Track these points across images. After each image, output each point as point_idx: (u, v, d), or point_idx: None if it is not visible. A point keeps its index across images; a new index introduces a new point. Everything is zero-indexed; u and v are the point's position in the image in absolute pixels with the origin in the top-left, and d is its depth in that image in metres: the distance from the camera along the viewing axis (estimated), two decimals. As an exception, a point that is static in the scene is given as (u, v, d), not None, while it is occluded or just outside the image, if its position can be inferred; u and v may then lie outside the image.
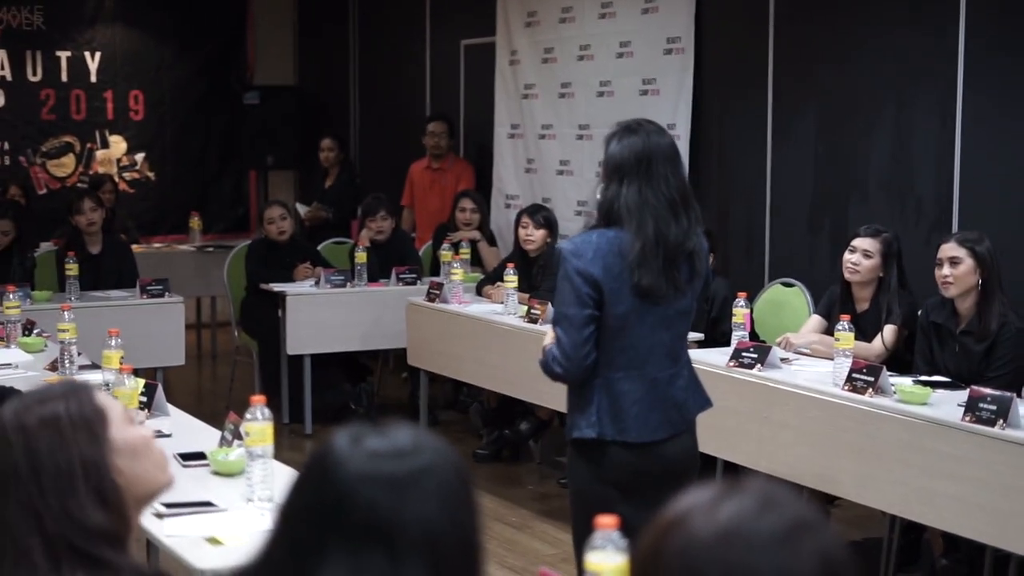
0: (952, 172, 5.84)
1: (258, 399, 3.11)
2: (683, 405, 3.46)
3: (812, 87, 6.58)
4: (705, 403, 3.57)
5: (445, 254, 7.57)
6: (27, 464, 1.82)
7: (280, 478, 3.15)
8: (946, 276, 4.70)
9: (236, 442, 3.52)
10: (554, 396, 5.96)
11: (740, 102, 7.04)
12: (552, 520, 5.80)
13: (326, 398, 7.53)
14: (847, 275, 5.15)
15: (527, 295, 6.49)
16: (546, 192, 8.40)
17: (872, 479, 4.33)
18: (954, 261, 4.68)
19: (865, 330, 5.05)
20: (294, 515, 1.61)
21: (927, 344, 4.86)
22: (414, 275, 7.45)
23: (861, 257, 5.09)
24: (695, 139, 7.27)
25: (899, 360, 4.99)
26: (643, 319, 3.33)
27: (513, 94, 8.67)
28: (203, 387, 8.78)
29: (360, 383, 7.65)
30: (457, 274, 6.80)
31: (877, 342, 5.01)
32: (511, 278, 6.33)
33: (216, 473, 3.46)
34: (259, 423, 3.09)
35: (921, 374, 4.79)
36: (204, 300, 9.92)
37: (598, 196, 3.46)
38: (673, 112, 7.35)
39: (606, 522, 2.14)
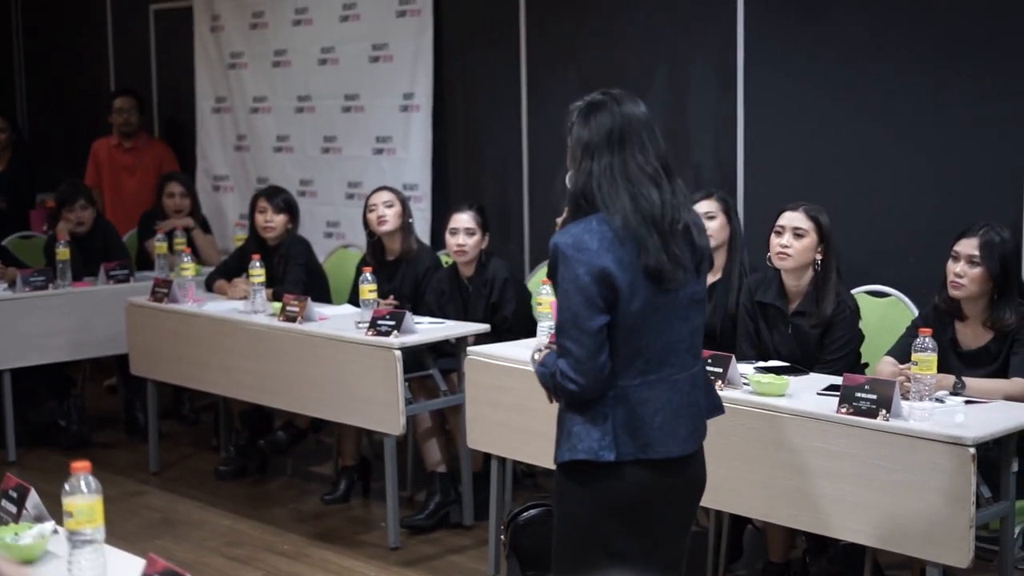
0: (735, 139, 5.52)
1: (81, 465, 2.32)
2: (703, 411, 2.98)
3: (572, 50, 6.11)
4: (716, 409, 3.09)
5: (159, 245, 6.69)
6: None
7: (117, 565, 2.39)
8: (786, 247, 4.29)
9: (24, 514, 2.69)
10: (315, 403, 5.29)
11: (489, 69, 6.51)
12: (331, 544, 5.11)
13: (30, 418, 6.53)
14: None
15: (270, 290, 5.75)
16: (262, 171, 7.63)
17: (732, 482, 3.90)
18: (798, 233, 4.30)
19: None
20: None
21: (753, 326, 4.48)
22: (126, 271, 6.52)
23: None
24: (438, 111, 6.68)
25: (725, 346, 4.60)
26: (658, 312, 2.82)
27: (217, 64, 7.82)
28: None
29: (67, 397, 6.67)
30: (188, 269, 5.95)
31: None
32: (257, 271, 5.54)
33: (-4, 559, 2.61)
34: (86, 498, 2.30)
35: (748, 359, 4.41)
36: None
37: (568, 184, 2.90)
38: (411, 81, 6.74)
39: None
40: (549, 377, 2.88)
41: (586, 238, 2.79)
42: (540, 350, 3.06)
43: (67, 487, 2.31)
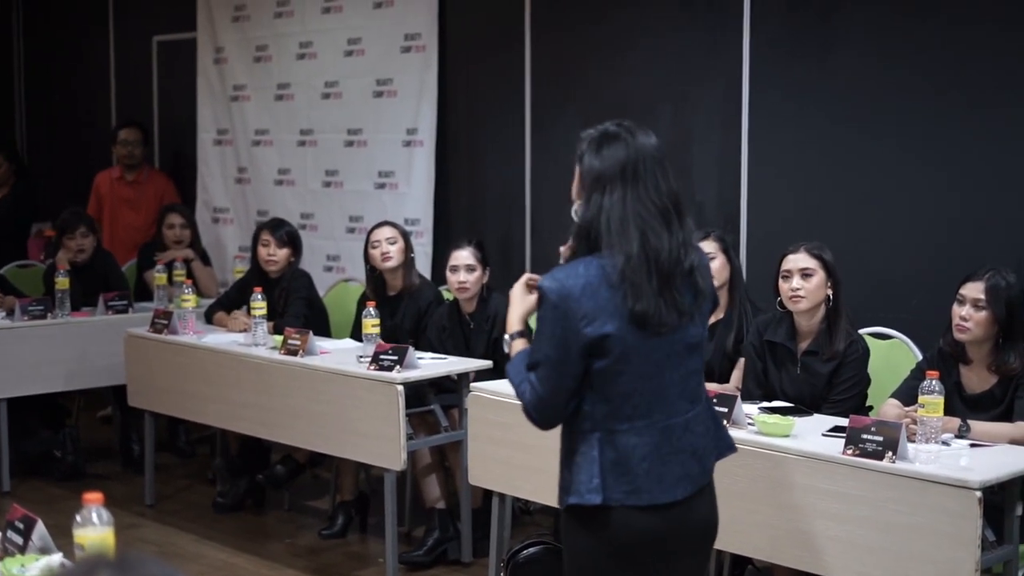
0: (739, 177, 5.53)
1: (93, 497, 2.30)
2: (703, 454, 2.88)
3: (575, 86, 6.14)
4: (727, 448, 3.00)
5: (159, 277, 6.68)
6: None
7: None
8: (797, 289, 4.31)
9: (30, 544, 2.67)
10: (315, 437, 5.27)
11: (493, 105, 6.53)
12: (328, 580, 5.09)
13: (24, 448, 6.49)
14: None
15: (271, 323, 5.74)
16: (262, 204, 7.63)
17: (736, 522, 3.87)
18: (806, 273, 4.31)
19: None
20: None
21: (761, 366, 4.48)
22: (124, 301, 6.51)
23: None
24: (441, 146, 6.70)
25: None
26: (647, 357, 2.74)
27: (220, 96, 7.84)
28: None
29: (61, 428, 6.64)
30: (189, 300, 5.94)
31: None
32: (259, 303, 5.54)
33: (5, 590, 2.60)
34: (97, 530, 2.29)
35: (754, 399, 4.40)
36: None
37: (575, 217, 2.84)
38: (415, 116, 6.76)
39: None
40: (515, 382, 2.82)
41: (570, 284, 2.71)
42: (512, 337, 2.93)
43: (78, 519, 2.30)
